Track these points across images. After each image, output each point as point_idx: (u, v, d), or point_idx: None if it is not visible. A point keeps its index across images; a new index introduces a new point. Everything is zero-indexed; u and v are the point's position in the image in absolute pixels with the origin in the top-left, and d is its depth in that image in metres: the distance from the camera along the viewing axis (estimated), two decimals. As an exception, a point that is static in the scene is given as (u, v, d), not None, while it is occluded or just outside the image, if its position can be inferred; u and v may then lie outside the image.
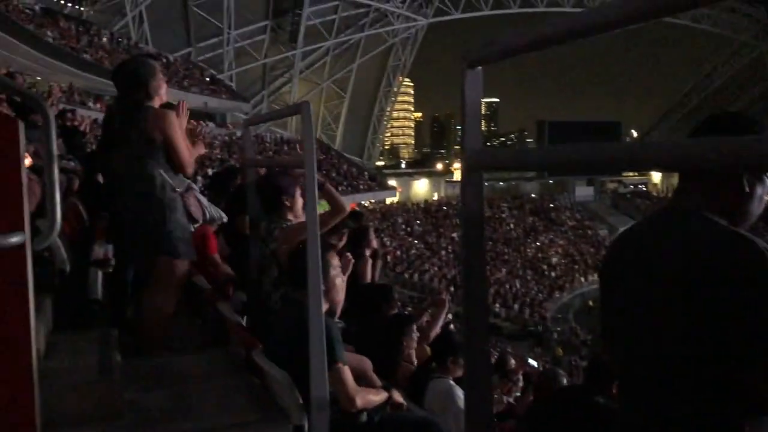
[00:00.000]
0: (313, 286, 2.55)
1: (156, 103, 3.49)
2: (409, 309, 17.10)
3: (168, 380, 3.22)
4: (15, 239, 2.19)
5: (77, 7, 42.95)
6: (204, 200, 3.47)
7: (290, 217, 3.61)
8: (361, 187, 48.18)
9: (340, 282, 3.10)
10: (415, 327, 4.32)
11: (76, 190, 6.45)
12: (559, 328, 33.98)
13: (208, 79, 50.01)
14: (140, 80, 3.41)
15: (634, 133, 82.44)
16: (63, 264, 3.53)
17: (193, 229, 3.61)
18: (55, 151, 2.46)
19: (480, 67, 1.33)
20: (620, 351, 1.60)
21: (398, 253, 42.66)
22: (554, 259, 46.55)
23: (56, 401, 2.54)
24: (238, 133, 39.12)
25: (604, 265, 1.65)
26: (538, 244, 49.52)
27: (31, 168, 5.31)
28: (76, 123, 11.09)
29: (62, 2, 41.51)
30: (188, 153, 3.43)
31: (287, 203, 3.58)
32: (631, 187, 65.76)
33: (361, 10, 60.77)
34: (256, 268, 3.54)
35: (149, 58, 3.57)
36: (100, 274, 3.89)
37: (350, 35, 61.92)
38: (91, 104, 29.05)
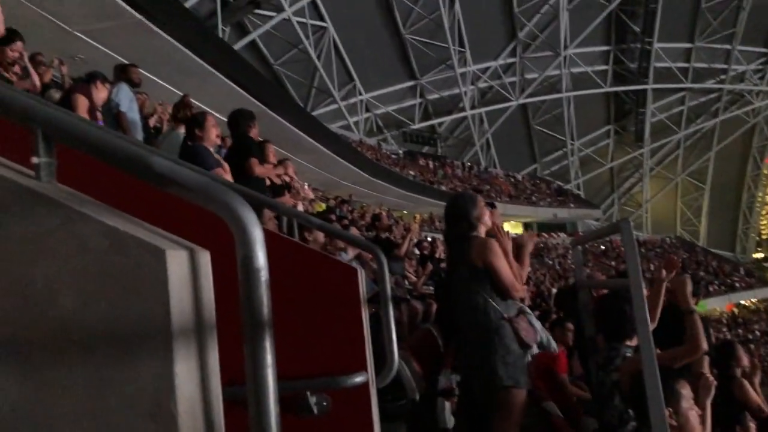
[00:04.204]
0: (656, 424, 2.26)
1: (480, 230, 3.62)
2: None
3: None
4: (359, 379, 2.41)
5: (432, 145, 48.34)
6: (537, 324, 3.39)
7: (634, 344, 3.28)
8: (737, 285, 42.88)
9: (695, 415, 2.68)
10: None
11: (434, 316, 6.92)
12: None
13: (555, 191, 50.97)
14: (462, 213, 3.60)
15: None
16: (414, 393, 3.75)
17: (530, 356, 3.53)
18: (389, 293, 2.68)
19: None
20: None
21: (800, 361, 36.07)
22: None
23: None
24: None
25: None
26: None
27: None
28: (433, 251, 12.12)
29: (420, 143, 47.21)
30: (512, 277, 3.43)
31: (629, 330, 3.26)
32: None
33: (712, 96, 56.63)
34: (598, 398, 3.29)
35: (472, 190, 3.74)
36: (448, 403, 4.03)
37: (702, 123, 57.75)
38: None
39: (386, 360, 2.70)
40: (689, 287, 3.28)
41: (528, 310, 3.51)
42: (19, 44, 5.68)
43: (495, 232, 3.62)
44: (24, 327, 0.95)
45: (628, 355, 3.25)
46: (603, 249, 43.06)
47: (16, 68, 6.00)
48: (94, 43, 13.40)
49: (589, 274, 4.40)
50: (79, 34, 13.70)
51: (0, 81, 5.12)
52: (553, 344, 3.41)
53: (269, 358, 0.99)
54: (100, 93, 5.61)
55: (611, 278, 5.13)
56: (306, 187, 6.35)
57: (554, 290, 15.73)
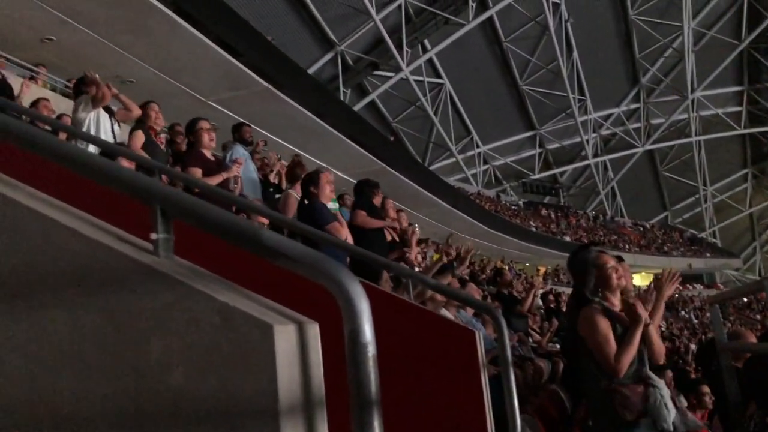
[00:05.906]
0: None
1: (612, 300, 3.11)
2: None
3: None
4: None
5: (554, 195, 47.21)
6: (658, 397, 3.03)
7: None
8: None
9: None
10: None
11: (560, 375, 6.57)
12: None
13: (688, 240, 48.18)
14: (576, 273, 3.20)
15: None
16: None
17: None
18: (510, 356, 2.57)
19: None
20: None
21: None
22: None
23: None
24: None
25: None
26: None
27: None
28: (559, 306, 11.69)
29: (541, 194, 46.27)
30: (610, 357, 2.92)
31: None
32: None
33: None
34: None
35: (593, 245, 3.37)
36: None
37: None
38: (575, 282, 30.65)
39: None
40: None
41: (653, 379, 3.04)
42: (154, 105, 6.09)
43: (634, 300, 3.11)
44: (137, 400, 0.97)
45: None
46: (746, 301, 39.77)
47: (161, 138, 6.46)
48: (226, 111, 14.39)
49: (731, 331, 4.00)
50: (212, 103, 14.78)
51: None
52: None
53: (378, 438, 0.95)
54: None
55: (759, 338, 4.67)
56: (416, 229, 6.43)
57: (692, 346, 14.64)
